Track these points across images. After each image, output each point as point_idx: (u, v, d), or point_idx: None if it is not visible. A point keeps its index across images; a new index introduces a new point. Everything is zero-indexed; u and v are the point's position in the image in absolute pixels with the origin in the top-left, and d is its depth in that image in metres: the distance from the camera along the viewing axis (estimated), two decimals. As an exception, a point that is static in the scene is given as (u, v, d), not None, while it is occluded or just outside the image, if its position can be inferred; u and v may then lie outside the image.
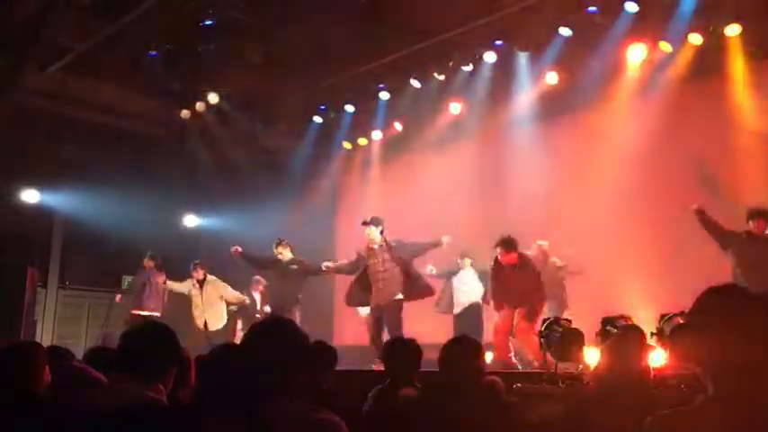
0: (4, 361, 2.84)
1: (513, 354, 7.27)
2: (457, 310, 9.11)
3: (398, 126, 11.19)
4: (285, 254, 9.16)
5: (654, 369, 5.05)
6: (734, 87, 8.27)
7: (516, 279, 7.40)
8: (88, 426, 2.28)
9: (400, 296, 7.74)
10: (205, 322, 9.66)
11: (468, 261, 9.18)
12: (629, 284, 8.36)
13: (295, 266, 9.08)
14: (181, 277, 10.13)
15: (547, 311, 8.05)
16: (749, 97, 8.16)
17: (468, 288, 9.11)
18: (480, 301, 9.01)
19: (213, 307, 9.74)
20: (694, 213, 7.22)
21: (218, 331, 9.61)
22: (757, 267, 6.90)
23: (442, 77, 9.59)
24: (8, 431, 2.53)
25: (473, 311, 9.00)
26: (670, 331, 5.11)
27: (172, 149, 11.42)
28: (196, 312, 9.69)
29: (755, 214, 7.18)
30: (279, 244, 9.16)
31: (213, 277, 9.82)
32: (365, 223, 7.98)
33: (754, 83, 8.15)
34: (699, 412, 1.64)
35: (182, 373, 2.83)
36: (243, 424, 2.03)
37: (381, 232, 7.97)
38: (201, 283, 9.74)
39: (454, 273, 9.22)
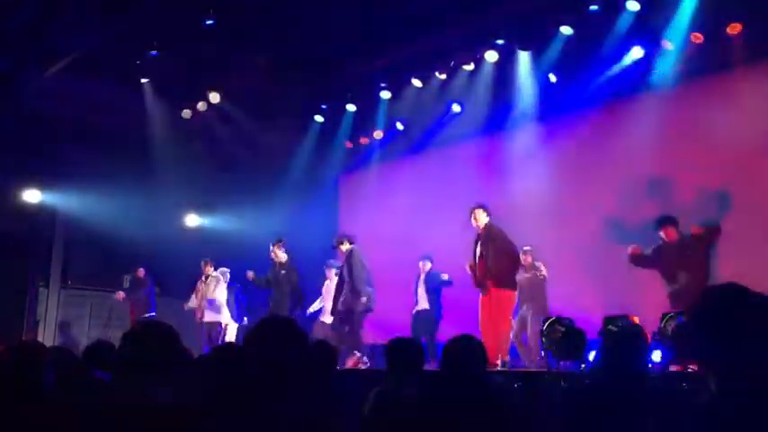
0: (9, 361, 2.85)
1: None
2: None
3: (400, 125, 11.19)
4: (279, 255, 8.95)
5: (656, 368, 5.06)
6: (735, 86, 8.26)
7: (483, 253, 7.07)
8: (91, 425, 2.29)
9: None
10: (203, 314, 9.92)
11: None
12: (632, 284, 8.35)
13: (284, 271, 8.89)
14: (183, 276, 10.31)
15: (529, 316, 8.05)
16: (750, 97, 8.14)
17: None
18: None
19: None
20: (629, 259, 7.05)
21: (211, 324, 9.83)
22: (678, 276, 6.74)
23: (443, 77, 9.58)
24: (14, 431, 2.53)
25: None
26: (672, 330, 5.12)
27: (174, 149, 11.42)
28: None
29: (662, 222, 6.95)
30: (275, 243, 9.02)
31: (216, 274, 10.02)
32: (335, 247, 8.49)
33: (756, 82, 8.14)
34: (701, 411, 1.64)
35: (185, 373, 2.83)
36: (244, 423, 2.03)
37: (350, 243, 8.33)
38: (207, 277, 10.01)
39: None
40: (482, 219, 7.20)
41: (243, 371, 2.21)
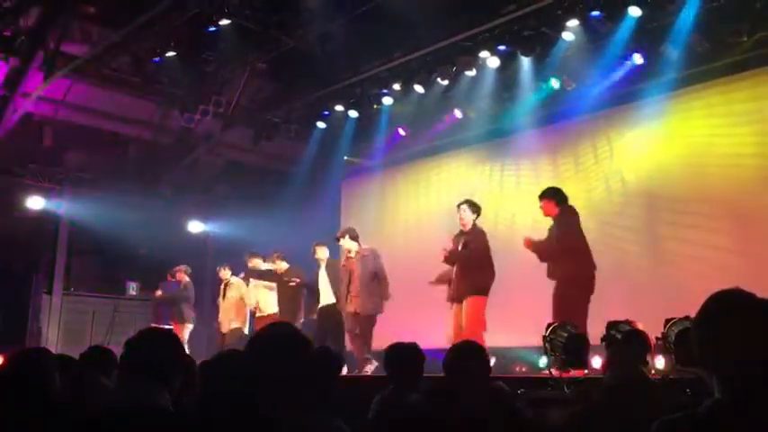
0: (18, 367, 2.86)
1: None
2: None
3: (402, 131, 11.20)
4: (280, 266, 8.93)
5: (659, 373, 5.05)
6: (737, 93, 8.26)
7: (458, 256, 6.55)
8: (96, 430, 2.29)
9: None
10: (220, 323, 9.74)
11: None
12: (635, 288, 8.33)
13: (292, 281, 8.73)
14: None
15: None
16: (751, 103, 8.14)
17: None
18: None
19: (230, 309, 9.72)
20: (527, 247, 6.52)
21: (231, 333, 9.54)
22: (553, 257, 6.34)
23: (445, 83, 9.58)
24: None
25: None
26: (675, 335, 5.10)
27: (177, 155, 11.45)
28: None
29: (540, 196, 6.46)
30: (271, 257, 8.98)
31: (236, 279, 9.79)
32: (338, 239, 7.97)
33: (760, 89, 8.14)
34: (705, 417, 1.64)
35: (186, 379, 2.83)
36: (247, 430, 2.03)
37: (356, 240, 7.92)
38: (227, 284, 9.78)
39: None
40: (468, 217, 6.80)
41: (244, 376, 2.21)
